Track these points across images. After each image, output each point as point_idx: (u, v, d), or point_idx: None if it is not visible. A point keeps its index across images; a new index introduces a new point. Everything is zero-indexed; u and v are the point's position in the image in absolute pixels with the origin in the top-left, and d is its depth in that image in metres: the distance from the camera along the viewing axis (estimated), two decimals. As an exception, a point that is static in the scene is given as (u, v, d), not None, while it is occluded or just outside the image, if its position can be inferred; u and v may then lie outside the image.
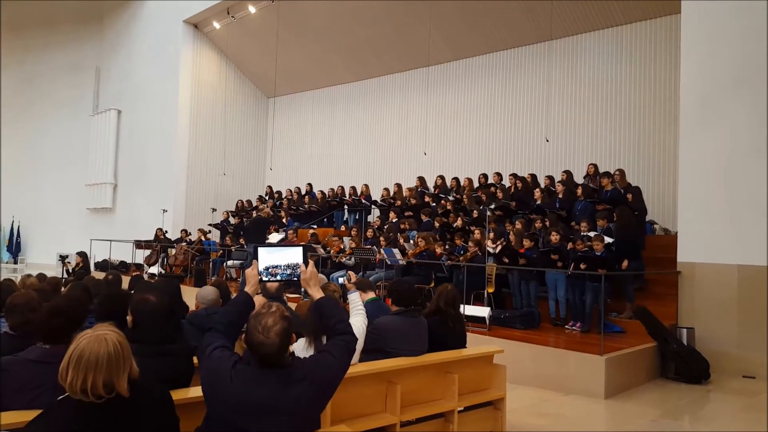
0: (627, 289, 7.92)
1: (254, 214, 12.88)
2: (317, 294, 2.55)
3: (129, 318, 2.80)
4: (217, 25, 16.39)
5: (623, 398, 6.05)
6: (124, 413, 1.87)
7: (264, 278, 2.57)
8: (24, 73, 20.36)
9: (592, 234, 7.81)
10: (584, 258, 7.34)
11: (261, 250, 2.58)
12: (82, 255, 10.74)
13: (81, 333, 1.91)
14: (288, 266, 2.59)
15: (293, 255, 2.60)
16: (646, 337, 7.07)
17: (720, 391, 6.50)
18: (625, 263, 7.61)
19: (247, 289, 2.50)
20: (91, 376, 1.79)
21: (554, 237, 7.91)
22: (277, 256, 2.59)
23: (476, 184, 11.46)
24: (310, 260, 2.62)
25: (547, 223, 8.80)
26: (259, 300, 2.71)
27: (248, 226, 11.38)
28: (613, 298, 8.05)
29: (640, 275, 8.27)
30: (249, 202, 15.25)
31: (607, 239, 7.65)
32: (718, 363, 6.99)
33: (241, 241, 12.30)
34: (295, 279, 2.60)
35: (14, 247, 20.04)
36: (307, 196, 14.22)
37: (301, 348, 3.08)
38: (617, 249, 7.65)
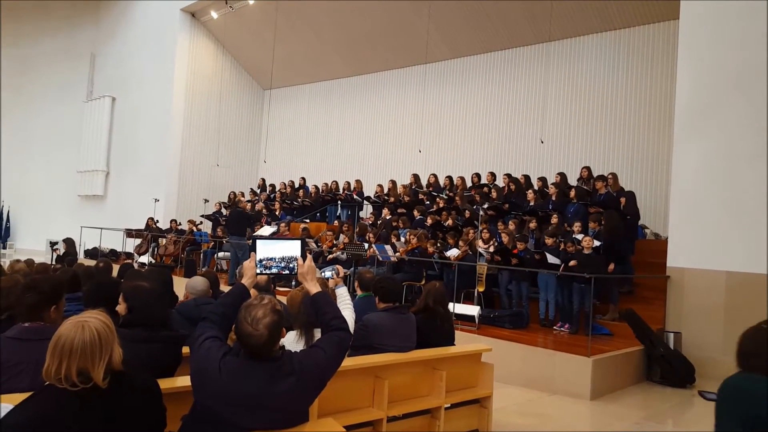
0: (612, 291, 7.98)
1: (249, 206, 12.85)
2: (314, 288, 2.54)
3: (121, 306, 2.79)
4: (214, 14, 16.29)
5: (608, 400, 6.10)
6: (106, 403, 1.83)
7: (257, 270, 2.55)
8: (18, 57, 20.12)
9: (581, 236, 7.86)
10: (573, 257, 7.41)
11: (259, 243, 2.56)
12: (68, 242, 10.63)
13: (66, 319, 1.89)
14: (283, 259, 2.56)
15: (291, 248, 2.57)
16: (633, 340, 7.13)
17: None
18: (611, 266, 7.66)
19: (244, 281, 2.49)
20: (65, 363, 1.75)
21: (549, 240, 7.96)
22: (274, 249, 2.56)
23: (469, 184, 11.48)
24: (307, 254, 2.60)
25: (537, 224, 8.84)
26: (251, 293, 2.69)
27: (228, 219, 11.39)
28: (601, 300, 8.11)
29: (629, 279, 8.33)
30: (242, 193, 15.19)
31: (596, 242, 7.71)
32: (703, 368, 7.05)
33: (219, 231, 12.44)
34: (287, 273, 2.58)
35: (3, 232, 19.86)
36: (300, 190, 14.19)
37: (291, 341, 3.08)
38: (603, 252, 7.71)
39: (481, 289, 8.17)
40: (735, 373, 2.29)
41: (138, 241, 14.01)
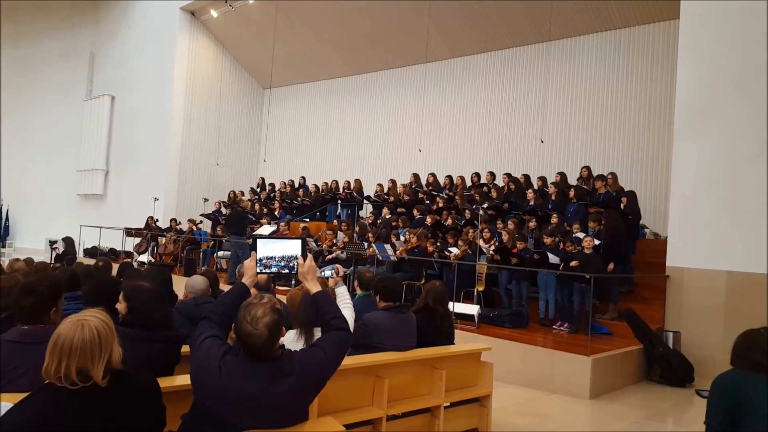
0: (612, 291, 7.98)
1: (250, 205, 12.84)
2: (314, 288, 2.53)
3: (121, 305, 2.78)
4: (214, 13, 16.27)
5: (608, 399, 6.10)
6: (106, 402, 1.83)
7: (257, 269, 2.54)
8: (18, 57, 20.11)
9: (581, 235, 7.87)
10: (574, 257, 7.41)
11: (259, 242, 2.56)
12: (67, 240, 10.62)
13: (66, 317, 1.89)
14: (283, 258, 2.56)
15: (291, 247, 2.57)
16: (633, 340, 7.13)
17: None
18: (611, 266, 7.66)
19: (244, 280, 2.49)
20: (65, 362, 1.75)
21: (548, 240, 7.96)
22: (275, 248, 2.56)
23: (469, 183, 11.48)
24: (308, 253, 2.60)
25: (537, 224, 8.83)
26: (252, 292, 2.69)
27: (228, 218, 11.41)
28: (601, 300, 8.11)
29: (629, 278, 8.33)
30: (242, 192, 15.19)
31: (596, 241, 7.71)
32: (702, 367, 7.06)
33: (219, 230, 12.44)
34: (287, 272, 2.58)
35: (2, 231, 19.84)
36: (300, 189, 14.19)
37: (291, 340, 3.08)
38: (603, 252, 7.71)
39: (481, 289, 8.18)
40: (725, 371, 2.50)
41: (137, 240, 14.01)
